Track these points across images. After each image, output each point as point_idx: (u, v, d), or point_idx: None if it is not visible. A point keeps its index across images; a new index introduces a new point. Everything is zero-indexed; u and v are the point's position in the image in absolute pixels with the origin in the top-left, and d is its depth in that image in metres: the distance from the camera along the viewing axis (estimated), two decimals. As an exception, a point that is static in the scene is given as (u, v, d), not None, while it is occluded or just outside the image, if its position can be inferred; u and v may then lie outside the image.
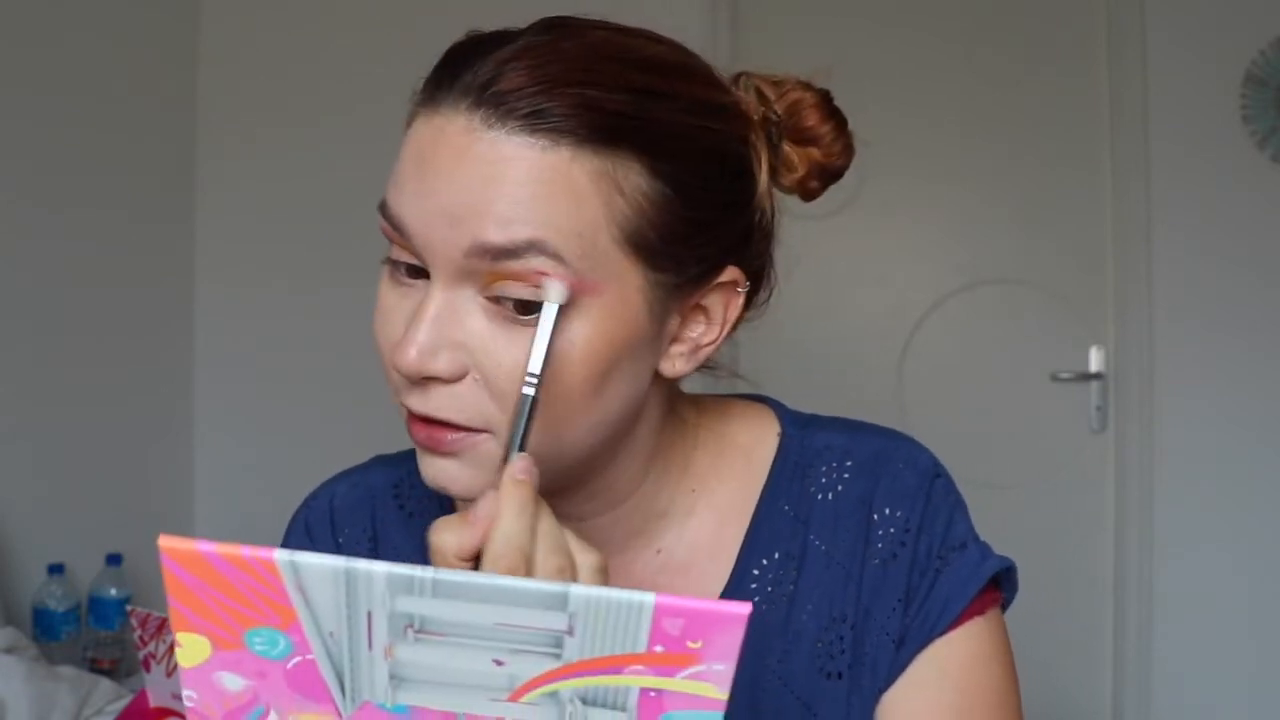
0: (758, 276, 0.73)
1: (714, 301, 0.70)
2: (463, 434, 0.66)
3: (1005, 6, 2.74)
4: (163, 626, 0.87)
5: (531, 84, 0.63)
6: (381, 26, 2.87)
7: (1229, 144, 2.58)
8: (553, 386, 0.64)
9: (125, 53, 2.73)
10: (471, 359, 0.64)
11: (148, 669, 0.90)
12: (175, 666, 0.87)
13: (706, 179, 0.67)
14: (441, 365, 0.64)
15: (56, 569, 2.38)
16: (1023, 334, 2.75)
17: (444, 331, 0.64)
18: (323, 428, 2.91)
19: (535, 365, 0.62)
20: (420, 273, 0.66)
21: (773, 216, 0.74)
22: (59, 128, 2.52)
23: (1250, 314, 2.60)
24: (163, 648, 0.87)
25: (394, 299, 0.67)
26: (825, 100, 0.76)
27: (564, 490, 0.72)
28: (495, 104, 0.63)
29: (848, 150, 0.76)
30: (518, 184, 0.62)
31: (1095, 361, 2.71)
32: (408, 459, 0.84)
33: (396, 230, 0.65)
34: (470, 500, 0.68)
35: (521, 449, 0.61)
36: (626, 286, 0.65)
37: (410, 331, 0.64)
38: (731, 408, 0.82)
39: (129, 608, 0.92)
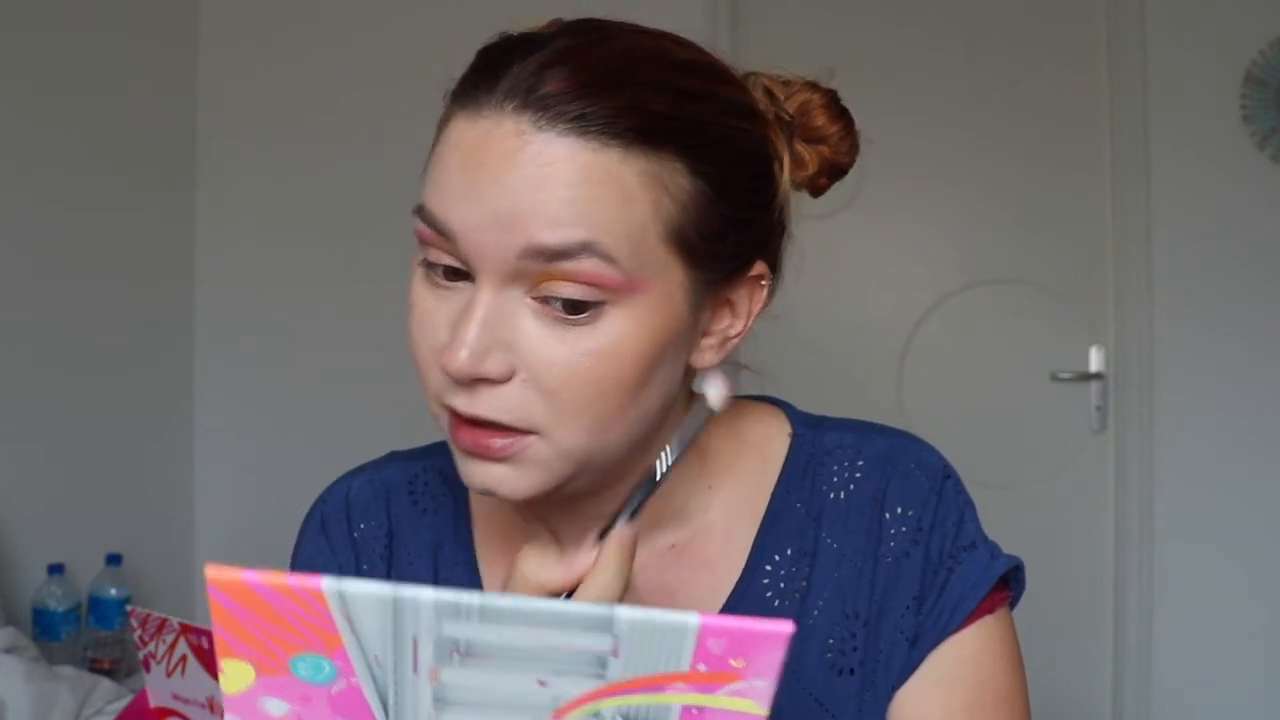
0: (773, 270, 0.75)
1: (740, 295, 0.72)
2: (510, 438, 0.66)
3: (1005, 6, 2.74)
4: (163, 626, 0.87)
5: (578, 86, 0.63)
6: (382, 27, 2.87)
7: (1229, 144, 2.58)
8: (602, 384, 0.65)
9: (125, 52, 2.73)
10: (520, 359, 0.65)
11: (148, 669, 0.90)
12: (175, 666, 0.87)
13: (741, 178, 0.69)
14: (492, 366, 0.65)
15: (56, 569, 2.38)
16: (1023, 334, 2.75)
17: (494, 333, 0.65)
18: (323, 428, 2.91)
19: (670, 458, 0.65)
20: (458, 274, 0.66)
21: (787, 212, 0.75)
22: (59, 128, 2.52)
23: (1250, 314, 2.60)
24: (162, 648, 0.87)
25: (433, 302, 0.67)
26: (833, 100, 0.77)
27: (594, 490, 0.73)
28: (544, 106, 0.63)
29: (855, 149, 0.78)
30: (569, 185, 0.63)
31: (1095, 361, 2.71)
32: (424, 455, 0.86)
33: (441, 234, 0.65)
34: (515, 499, 0.68)
35: (633, 517, 0.63)
36: (670, 283, 0.66)
37: (459, 333, 0.64)
38: (743, 408, 0.83)
39: (129, 608, 0.92)
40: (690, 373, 0.73)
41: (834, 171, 0.77)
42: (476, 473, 0.68)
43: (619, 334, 0.65)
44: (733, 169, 0.68)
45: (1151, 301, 2.63)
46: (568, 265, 0.63)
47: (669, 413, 0.73)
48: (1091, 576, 2.71)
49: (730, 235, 0.69)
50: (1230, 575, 2.60)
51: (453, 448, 0.69)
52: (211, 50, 2.95)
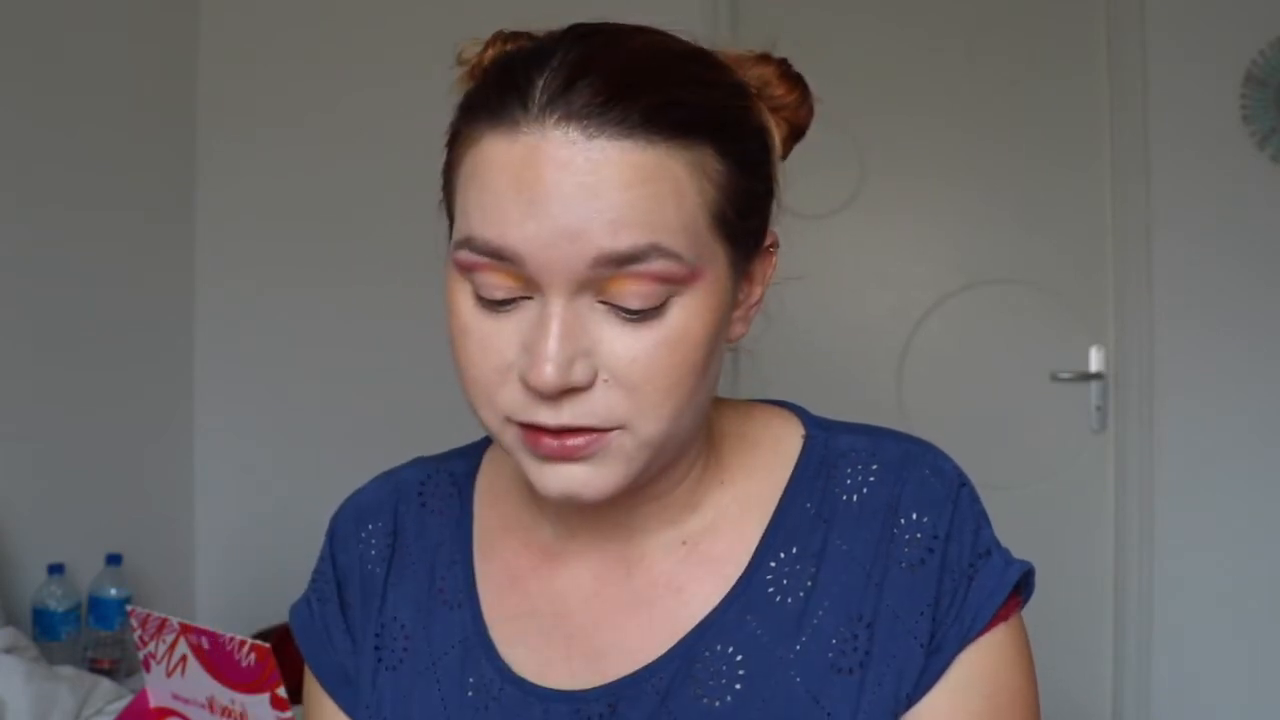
0: None
1: (756, 265, 0.75)
2: (595, 434, 0.68)
3: (1005, 6, 2.74)
4: (163, 626, 0.87)
5: (612, 92, 0.65)
6: (382, 27, 2.87)
7: (1229, 144, 2.58)
8: (678, 372, 0.67)
9: (125, 53, 2.73)
10: (600, 362, 0.67)
11: (148, 669, 0.90)
12: (175, 666, 0.87)
13: (755, 152, 0.72)
14: (578, 375, 0.66)
15: (56, 569, 2.38)
16: (1023, 334, 2.75)
17: (573, 342, 0.66)
18: (323, 428, 2.91)
19: None
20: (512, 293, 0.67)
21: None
22: (59, 128, 2.52)
23: (1250, 314, 2.60)
24: (162, 648, 0.87)
25: (490, 326, 0.68)
26: (787, 68, 0.79)
27: (647, 484, 0.74)
28: (586, 115, 0.64)
29: (811, 111, 0.79)
30: (628, 188, 0.64)
31: (1095, 361, 2.71)
32: (443, 459, 0.88)
33: (504, 260, 0.66)
34: (598, 501, 0.70)
35: None
36: (719, 266, 0.69)
37: (540, 349, 0.65)
38: (755, 409, 0.84)
39: (129, 608, 0.92)
40: None
41: (796, 135, 0.79)
42: (557, 479, 0.69)
43: (686, 322, 0.67)
44: (748, 146, 0.71)
45: (1151, 301, 2.63)
46: (638, 267, 0.65)
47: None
48: (1091, 576, 2.71)
49: (756, 209, 0.72)
50: (1230, 575, 2.59)
51: (526, 460, 0.70)
52: (211, 50, 2.95)
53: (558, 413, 0.67)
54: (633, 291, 0.65)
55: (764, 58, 0.77)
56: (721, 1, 2.74)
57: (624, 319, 0.66)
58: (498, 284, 0.67)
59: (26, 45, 2.45)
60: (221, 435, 2.95)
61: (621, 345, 0.66)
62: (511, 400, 0.68)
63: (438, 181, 0.73)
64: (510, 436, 0.70)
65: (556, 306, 0.65)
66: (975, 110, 2.74)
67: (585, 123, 0.64)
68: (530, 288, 0.66)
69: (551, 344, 0.65)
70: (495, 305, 0.67)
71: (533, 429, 0.68)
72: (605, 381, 0.67)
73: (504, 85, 0.67)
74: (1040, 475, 2.72)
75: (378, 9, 2.88)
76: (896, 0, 2.78)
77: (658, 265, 0.65)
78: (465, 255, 0.67)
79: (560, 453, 0.68)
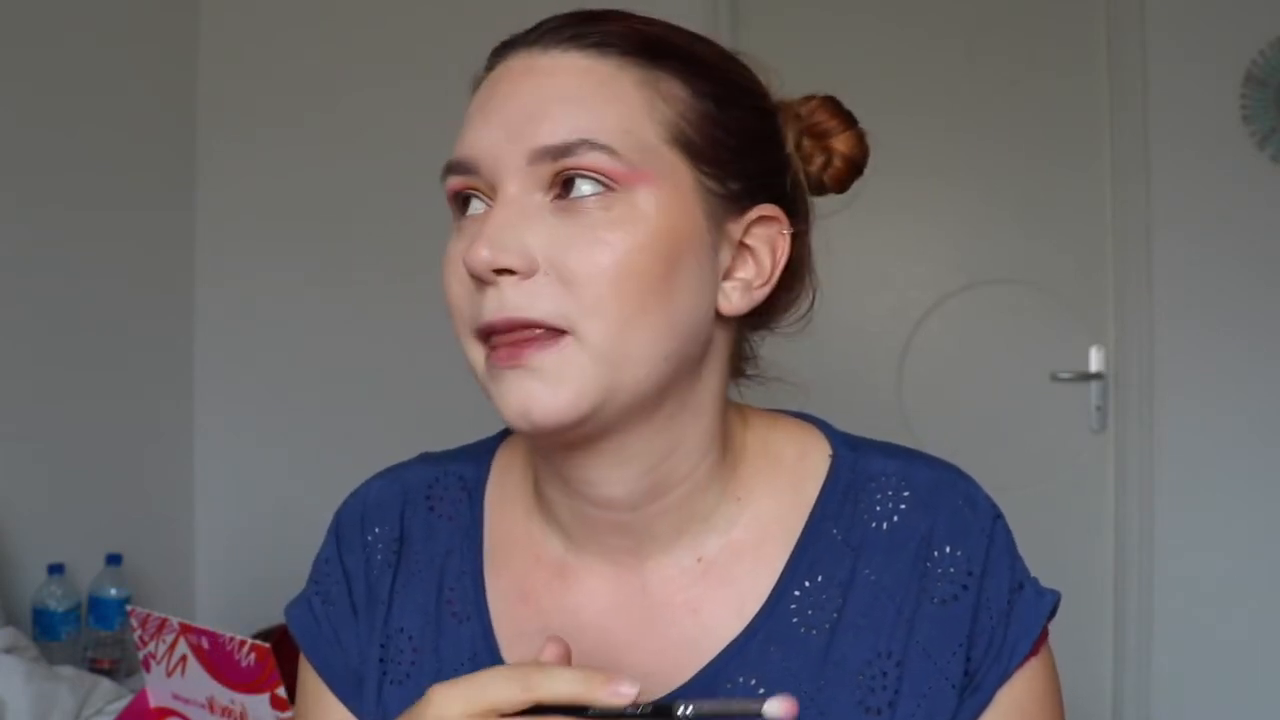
0: (800, 263, 0.77)
1: (759, 241, 0.74)
2: (541, 336, 0.67)
3: (1005, 6, 2.74)
4: (163, 626, 0.87)
5: (575, 19, 0.72)
6: (382, 27, 2.87)
7: (1229, 144, 2.58)
8: (620, 271, 0.67)
9: (125, 52, 2.73)
10: (542, 255, 0.68)
11: (148, 669, 0.90)
12: (175, 666, 0.87)
13: (738, 102, 0.74)
14: (513, 258, 0.67)
15: (56, 569, 2.38)
16: (1023, 334, 2.75)
17: (514, 232, 0.68)
18: (322, 428, 2.91)
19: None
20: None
21: (806, 190, 0.78)
22: (59, 127, 2.52)
23: (1250, 314, 2.60)
24: (162, 648, 0.87)
25: (465, 243, 0.70)
26: (833, 100, 0.81)
27: (634, 422, 0.71)
28: (549, 36, 0.71)
29: (860, 140, 0.80)
30: (568, 91, 0.69)
31: (1095, 361, 2.71)
32: (449, 460, 0.85)
33: (468, 172, 0.70)
34: (555, 428, 0.68)
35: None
36: (680, 183, 0.70)
37: (479, 235, 0.68)
38: (778, 422, 0.82)
39: (129, 608, 0.92)
40: (720, 350, 0.75)
41: (848, 163, 0.79)
42: (512, 395, 0.68)
43: (633, 222, 0.68)
44: (729, 93, 0.73)
45: (1151, 301, 2.63)
46: (571, 160, 0.67)
47: (700, 366, 0.73)
48: (1091, 576, 2.70)
49: (732, 148, 0.72)
50: (1230, 575, 2.59)
51: (492, 387, 0.70)
52: (211, 50, 2.95)
53: (501, 301, 0.67)
54: (572, 182, 0.68)
55: (809, 97, 0.80)
56: (722, 1, 2.74)
57: (570, 215, 0.68)
58: (472, 193, 0.71)
59: (26, 45, 2.45)
60: (221, 435, 2.95)
61: (564, 238, 0.67)
62: (471, 309, 0.70)
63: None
64: (479, 360, 0.71)
65: (501, 199, 0.69)
66: (975, 110, 2.74)
67: (545, 41, 0.71)
68: (494, 196, 0.70)
69: (486, 227, 0.68)
70: (469, 227, 0.71)
71: (489, 346, 0.69)
72: (548, 275, 0.67)
73: (500, 47, 0.74)
74: (1040, 475, 2.72)
75: (378, 9, 2.88)
76: (896, 0, 2.78)
77: (590, 158, 0.67)
78: (448, 182, 0.72)
79: (511, 356, 0.67)
